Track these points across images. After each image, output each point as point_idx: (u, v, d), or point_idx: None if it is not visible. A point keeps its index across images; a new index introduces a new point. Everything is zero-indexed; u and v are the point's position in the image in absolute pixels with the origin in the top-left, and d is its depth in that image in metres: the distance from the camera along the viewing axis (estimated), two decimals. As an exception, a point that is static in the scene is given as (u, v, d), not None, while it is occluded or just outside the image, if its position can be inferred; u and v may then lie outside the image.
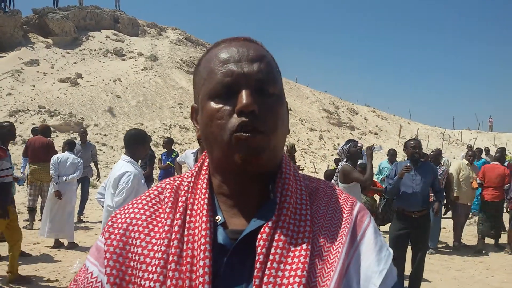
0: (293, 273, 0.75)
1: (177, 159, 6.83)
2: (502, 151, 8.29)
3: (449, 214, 8.86)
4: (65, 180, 6.97)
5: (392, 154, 9.81)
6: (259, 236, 0.77)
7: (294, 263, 0.76)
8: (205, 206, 0.82)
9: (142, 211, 0.86)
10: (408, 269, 5.13)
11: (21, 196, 10.54)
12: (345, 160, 5.34)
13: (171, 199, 0.86)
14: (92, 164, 9.36)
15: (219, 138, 0.79)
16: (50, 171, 6.99)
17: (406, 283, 5.13)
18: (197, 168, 0.91)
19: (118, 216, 0.88)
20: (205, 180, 0.87)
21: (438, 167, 7.26)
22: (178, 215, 0.83)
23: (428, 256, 6.86)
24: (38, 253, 6.52)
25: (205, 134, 0.83)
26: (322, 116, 28.03)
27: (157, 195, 0.90)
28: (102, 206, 4.25)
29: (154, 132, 19.24)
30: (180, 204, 0.85)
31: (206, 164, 0.90)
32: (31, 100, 19.57)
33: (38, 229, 7.41)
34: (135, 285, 0.78)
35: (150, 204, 0.88)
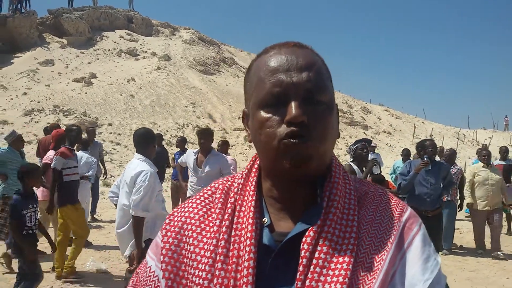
0: (335, 278, 0.75)
1: (179, 160, 6.67)
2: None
3: (460, 215, 8.72)
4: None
5: (405, 154, 9.74)
6: (303, 240, 0.78)
7: (337, 269, 0.76)
8: (251, 208, 0.84)
9: (195, 211, 0.90)
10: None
11: (36, 194, 10.65)
12: (351, 160, 5.29)
13: (221, 200, 0.89)
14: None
15: (268, 146, 0.80)
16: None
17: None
18: (247, 170, 0.93)
19: (175, 214, 0.93)
20: (253, 183, 0.89)
21: (452, 167, 7.18)
22: (226, 216, 0.86)
23: (442, 257, 6.78)
24: (51, 252, 6.57)
25: (255, 140, 0.85)
26: (335, 115, 27.87)
27: (210, 195, 0.93)
28: (115, 205, 4.27)
29: (167, 131, 19.34)
30: (229, 205, 0.87)
31: (256, 166, 0.92)
32: (46, 99, 19.81)
33: (51, 227, 7.49)
34: (188, 281, 0.82)
35: (203, 204, 0.91)
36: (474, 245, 7.60)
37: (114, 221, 7.74)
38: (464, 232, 8.85)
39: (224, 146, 7.61)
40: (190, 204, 0.93)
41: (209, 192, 0.94)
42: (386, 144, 25.34)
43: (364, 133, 26.69)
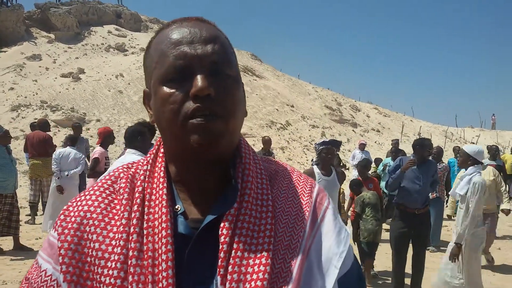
0: (257, 261, 0.73)
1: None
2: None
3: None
4: (67, 175, 6.98)
5: (393, 151, 9.79)
6: (221, 225, 0.75)
7: (258, 250, 0.74)
8: (164, 197, 0.78)
9: (96, 203, 0.81)
10: (409, 267, 5.13)
11: (23, 191, 10.56)
12: (316, 161, 5.00)
13: (126, 189, 0.81)
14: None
15: (172, 124, 0.75)
16: (52, 166, 7.00)
17: (407, 280, 5.13)
18: (152, 155, 0.86)
19: (71, 209, 0.82)
20: (162, 168, 0.82)
21: (438, 164, 7.27)
22: (135, 207, 0.78)
23: (430, 254, 6.85)
24: (40, 248, 6.52)
25: (158, 120, 0.79)
26: (325, 113, 27.97)
27: (111, 184, 0.85)
28: None
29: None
30: (137, 195, 0.80)
31: (161, 150, 0.86)
32: (33, 95, 19.57)
33: (40, 223, 7.42)
34: (94, 282, 0.74)
35: (104, 195, 0.82)
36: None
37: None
38: (451, 229, 8.93)
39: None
40: (88, 197, 0.82)
41: (109, 182, 0.85)
42: (375, 142, 25.48)
43: (353, 130, 26.81)
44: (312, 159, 5.43)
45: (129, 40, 30.07)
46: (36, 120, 10.43)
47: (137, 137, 3.97)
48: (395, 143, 10.63)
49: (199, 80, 0.73)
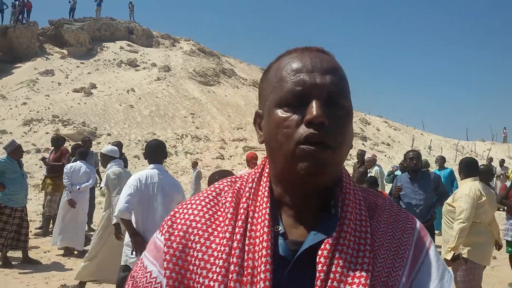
0: None
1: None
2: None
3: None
4: (78, 188, 7.03)
5: (403, 163, 9.74)
6: (319, 253, 0.76)
7: (354, 283, 0.74)
8: (267, 216, 0.79)
9: (201, 213, 0.84)
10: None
11: (33, 204, 10.64)
12: None
13: (232, 204, 0.84)
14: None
15: (284, 147, 0.77)
16: (64, 180, 7.06)
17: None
18: (258, 174, 0.89)
19: (177, 215, 0.86)
20: (267, 188, 0.84)
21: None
22: (240, 223, 0.80)
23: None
24: (48, 261, 6.57)
25: (269, 141, 0.82)
26: (334, 126, 27.91)
27: (215, 196, 0.87)
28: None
29: (166, 141, 19.32)
30: (242, 211, 0.82)
31: (266, 170, 0.88)
32: (45, 109, 19.83)
33: (50, 236, 7.47)
34: None
35: (209, 206, 0.85)
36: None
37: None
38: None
39: None
40: (194, 206, 0.86)
41: (214, 194, 0.88)
42: (385, 156, 25.34)
43: (363, 144, 26.71)
44: None
45: (140, 55, 30.43)
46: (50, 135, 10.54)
47: (158, 153, 4.25)
48: (440, 158, 10.08)
49: (314, 107, 0.75)
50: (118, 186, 5.04)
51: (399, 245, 0.81)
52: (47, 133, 17.05)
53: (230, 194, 0.86)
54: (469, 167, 4.50)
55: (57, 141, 8.65)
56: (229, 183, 0.90)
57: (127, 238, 4.07)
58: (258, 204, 0.83)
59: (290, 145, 0.76)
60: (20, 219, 6.41)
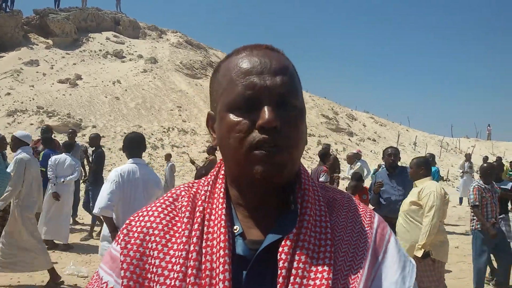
0: None
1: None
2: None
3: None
4: (63, 181, 6.96)
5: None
6: (280, 250, 0.75)
7: (317, 278, 0.74)
8: (223, 217, 0.79)
9: (158, 220, 0.83)
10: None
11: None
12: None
13: (188, 208, 0.83)
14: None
15: (237, 152, 0.77)
16: (48, 173, 6.98)
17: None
18: (213, 177, 0.88)
19: (133, 223, 0.84)
20: (222, 190, 0.84)
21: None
22: (196, 226, 0.80)
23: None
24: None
25: (221, 145, 0.81)
26: (321, 121, 28.03)
27: (172, 201, 0.87)
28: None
29: (152, 134, 19.22)
30: (197, 214, 0.82)
31: (222, 172, 0.88)
32: (30, 100, 19.55)
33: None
34: None
35: (165, 212, 0.84)
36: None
37: (95, 224, 7.67)
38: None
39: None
40: (150, 213, 0.85)
41: (171, 199, 0.87)
42: (371, 151, 25.54)
43: (349, 139, 26.89)
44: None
45: (127, 47, 30.13)
46: (35, 126, 10.40)
47: (137, 147, 4.18)
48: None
49: (266, 112, 0.75)
50: (22, 176, 5.11)
51: (359, 239, 0.82)
52: (32, 124, 16.84)
53: (186, 199, 0.85)
54: (427, 167, 4.50)
55: (48, 132, 8.54)
56: (186, 188, 0.90)
57: (105, 231, 4.04)
58: (214, 206, 0.82)
59: (243, 150, 0.76)
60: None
